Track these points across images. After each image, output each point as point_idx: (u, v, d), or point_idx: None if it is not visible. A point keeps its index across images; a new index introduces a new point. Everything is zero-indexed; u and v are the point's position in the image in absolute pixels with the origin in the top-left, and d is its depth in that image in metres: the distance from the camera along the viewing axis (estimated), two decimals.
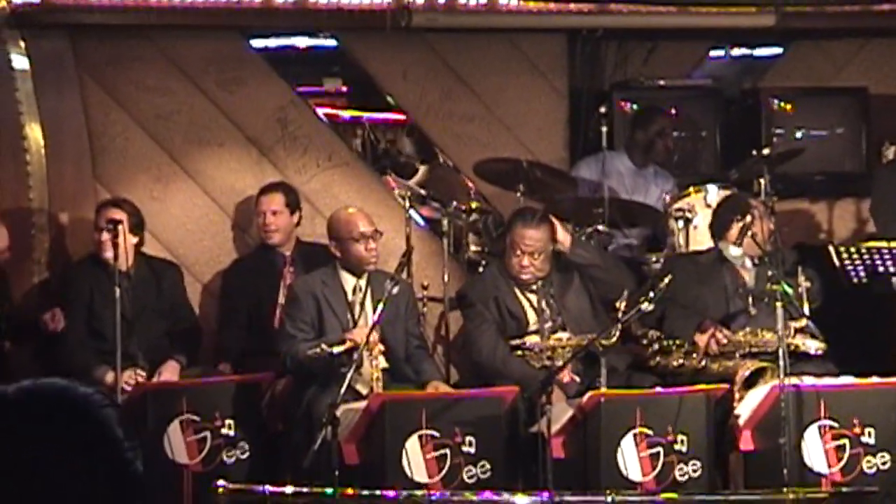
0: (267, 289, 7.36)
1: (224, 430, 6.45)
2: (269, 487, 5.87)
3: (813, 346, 6.66)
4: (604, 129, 7.63)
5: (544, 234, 6.68)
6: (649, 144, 8.07)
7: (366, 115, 9.21)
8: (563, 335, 6.66)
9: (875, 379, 6.46)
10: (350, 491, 5.78)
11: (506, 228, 6.94)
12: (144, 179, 7.84)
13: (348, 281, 6.61)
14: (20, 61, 7.44)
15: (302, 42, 8.57)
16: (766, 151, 7.37)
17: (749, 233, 6.73)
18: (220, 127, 7.93)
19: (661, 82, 8.41)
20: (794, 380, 6.22)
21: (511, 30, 8.18)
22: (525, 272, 6.67)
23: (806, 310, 6.55)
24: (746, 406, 6.36)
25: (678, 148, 8.33)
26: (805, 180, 8.34)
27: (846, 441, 6.28)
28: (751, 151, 7.47)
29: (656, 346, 6.77)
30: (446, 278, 7.46)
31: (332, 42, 8.44)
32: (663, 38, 8.40)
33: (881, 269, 7.19)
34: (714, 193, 7.33)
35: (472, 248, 7.79)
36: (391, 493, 5.90)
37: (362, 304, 6.56)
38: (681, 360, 6.74)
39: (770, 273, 6.42)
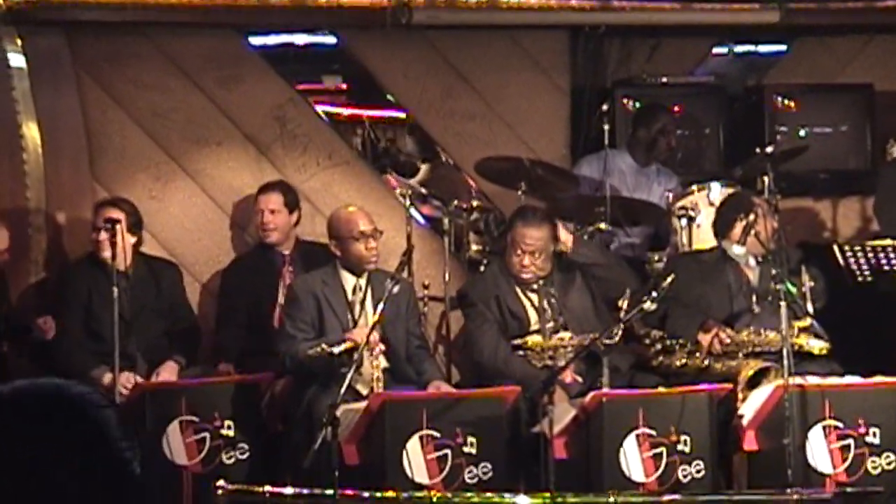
0: (266, 288, 7.34)
1: (223, 431, 6.43)
2: (268, 488, 5.85)
3: (817, 345, 6.64)
4: (606, 126, 7.62)
5: (545, 234, 6.66)
6: (652, 142, 8.05)
7: (366, 113, 9.18)
8: (565, 335, 6.62)
9: (880, 378, 6.43)
10: (350, 492, 5.75)
11: (507, 227, 6.92)
12: (142, 178, 7.82)
13: (348, 280, 6.59)
14: (16, 59, 7.42)
15: (301, 39, 8.55)
16: (769, 149, 7.33)
17: (752, 231, 6.71)
18: (219, 125, 7.91)
19: (664, 79, 8.39)
20: (798, 379, 6.20)
21: (512, 26, 8.16)
22: (526, 271, 6.65)
23: (810, 309, 6.56)
24: (750, 406, 6.34)
25: (681, 146, 8.31)
26: (809, 178, 8.32)
27: (851, 441, 6.26)
28: (754, 149, 7.44)
29: (659, 346, 6.75)
30: (447, 277, 7.44)
31: (331, 39, 8.42)
32: (666, 34, 8.38)
33: (886, 267, 7.16)
34: (717, 191, 7.31)
35: (474, 247, 7.78)
36: (392, 494, 5.86)
37: (363, 304, 6.54)
38: (684, 360, 6.72)
39: (774, 272, 6.39)
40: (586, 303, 6.77)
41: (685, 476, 6.19)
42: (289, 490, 5.85)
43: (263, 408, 6.64)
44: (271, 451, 6.55)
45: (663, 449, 6.17)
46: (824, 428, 6.25)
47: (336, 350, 6.23)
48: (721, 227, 6.92)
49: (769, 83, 8.58)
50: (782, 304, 6.18)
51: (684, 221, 7.31)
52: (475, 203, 7.67)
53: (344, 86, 9.22)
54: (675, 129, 8.19)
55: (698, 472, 6.21)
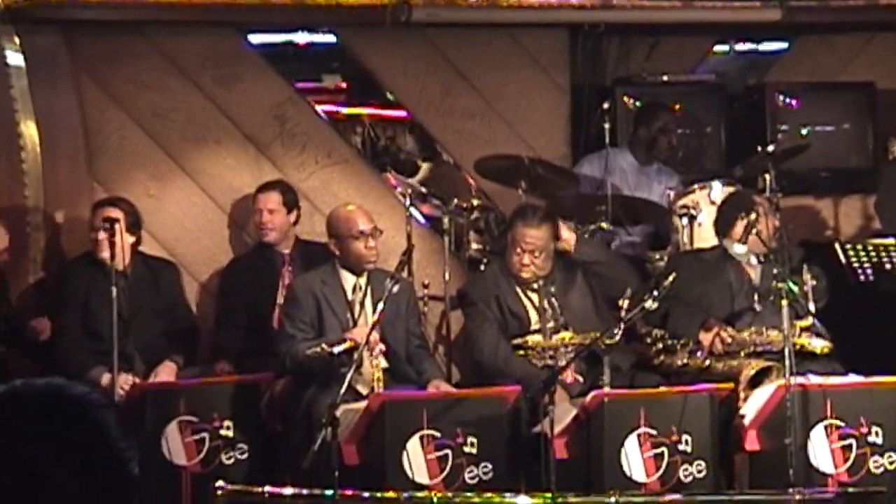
0: (265, 288, 7.32)
1: (223, 431, 6.42)
2: (268, 489, 5.83)
3: (819, 344, 6.63)
4: (606, 125, 7.60)
5: (545, 233, 6.64)
6: (652, 141, 8.03)
7: (365, 111, 9.17)
8: (566, 334, 6.60)
9: (882, 378, 6.41)
10: (350, 492, 5.73)
11: (507, 226, 6.90)
12: (141, 177, 7.79)
13: (348, 280, 6.57)
14: (14, 58, 7.39)
15: (300, 38, 8.53)
16: (771, 148, 7.32)
17: (754, 230, 6.69)
18: (218, 124, 7.88)
19: (665, 78, 8.37)
20: (799, 379, 6.18)
21: (512, 25, 8.13)
22: (525, 270, 6.63)
23: (812, 308, 6.52)
24: (752, 405, 6.32)
25: (682, 144, 8.29)
26: (811, 177, 8.30)
27: (853, 441, 6.25)
28: (755, 148, 7.43)
29: (660, 346, 6.73)
30: (447, 277, 7.42)
31: (330, 38, 8.41)
32: (666, 32, 8.36)
33: (888, 266, 7.15)
34: (718, 190, 7.28)
35: (474, 246, 7.76)
36: (392, 495, 5.84)
37: (362, 304, 6.52)
38: (685, 360, 6.70)
39: (775, 271, 6.38)
40: (587, 302, 6.75)
41: (687, 476, 6.18)
42: (288, 490, 5.83)
43: (263, 408, 6.62)
44: (271, 452, 6.54)
45: (665, 449, 6.16)
46: (826, 427, 6.24)
47: (336, 350, 6.22)
48: (722, 225, 6.90)
49: (770, 81, 8.56)
50: (784, 302, 6.16)
51: (685, 220, 7.29)
52: (475, 202, 7.65)
53: (343, 84, 9.21)
54: (676, 127, 8.18)
55: (700, 471, 6.20)
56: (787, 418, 6.05)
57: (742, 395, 6.39)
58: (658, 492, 6.11)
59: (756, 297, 6.73)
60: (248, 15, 7.77)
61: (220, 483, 5.79)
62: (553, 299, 6.69)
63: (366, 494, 5.79)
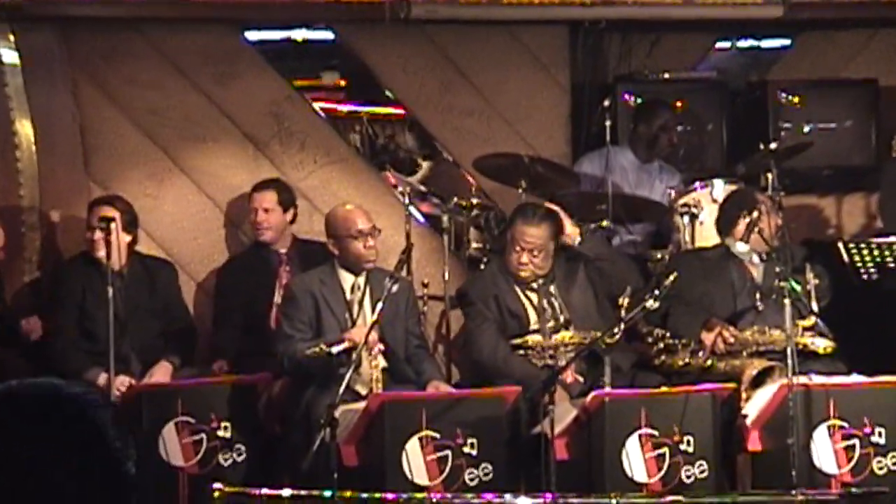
0: (262, 288, 7.30)
1: (220, 432, 6.39)
2: (266, 490, 5.80)
3: (822, 344, 6.60)
4: (607, 123, 7.57)
5: (545, 232, 6.62)
6: (653, 139, 8.00)
7: (364, 109, 9.13)
8: (566, 334, 6.58)
9: (886, 377, 6.38)
10: (349, 493, 5.70)
11: (507, 225, 6.87)
12: (138, 176, 7.77)
13: (347, 279, 6.55)
14: (9, 55, 7.35)
15: (298, 35, 8.50)
16: (773, 145, 7.28)
17: (756, 228, 6.68)
18: (215, 122, 7.86)
19: (666, 75, 8.35)
20: (802, 379, 6.16)
21: (512, 21, 8.10)
22: (523, 269, 6.61)
23: (814, 307, 6.52)
24: (754, 406, 6.30)
25: (683, 142, 8.27)
26: (813, 175, 8.27)
27: (856, 441, 6.23)
28: (758, 145, 7.39)
29: (661, 345, 6.71)
30: (447, 276, 7.41)
31: (329, 35, 8.38)
32: (668, 29, 8.34)
33: (891, 264, 7.13)
34: (720, 188, 7.26)
35: (474, 244, 7.74)
36: (391, 496, 5.82)
37: (361, 303, 6.49)
38: (687, 359, 6.68)
39: (778, 269, 6.36)
40: (589, 299, 6.74)
41: (688, 477, 6.16)
42: (287, 492, 5.80)
43: (261, 409, 6.60)
44: (269, 453, 6.51)
45: (666, 449, 6.14)
46: (829, 428, 6.22)
47: (334, 350, 6.20)
48: (724, 224, 6.88)
49: (772, 78, 8.54)
50: (786, 302, 6.14)
51: (687, 219, 7.27)
52: (475, 201, 7.62)
53: (342, 82, 9.17)
54: (677, 124, 8.15)
55: (702, 472, 6.18)
56: (790, 418, 6.03)
57: (744, 395, 6.37)
58: (659, 493, 6.09)
59: (758, 296, 6.71)
60: (246, 12, 7.76)
61: (217, 484, 5.77)
62: (552, 299, 6.67)
63: (365, 496, 5.76)
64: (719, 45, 8.75)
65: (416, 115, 8.35)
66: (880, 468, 6.23)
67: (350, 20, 7.93)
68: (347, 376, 5.82)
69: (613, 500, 5.86)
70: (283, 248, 7.40)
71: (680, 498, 6.04)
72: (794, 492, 5.97)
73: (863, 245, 7.18)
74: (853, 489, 6.15)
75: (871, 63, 8.52)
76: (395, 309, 6.45)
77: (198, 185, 7.84)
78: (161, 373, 6.80)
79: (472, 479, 6.09)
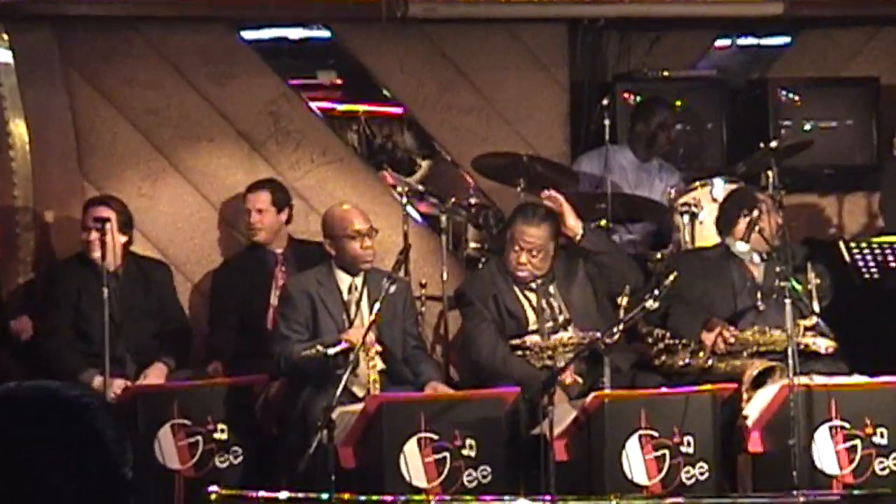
0: (258, 289, 7.28)
1: (217, 435, 6.36)
2: (263, 493, 5.78)
3: (823, 344, 6.58)
4: (606, 122, 7.54)
5: (545, 232, 6.60)
6: (652, 137, 7.99)
7: (361, 108, 9.10)
8: (564, 335, 6.55)
9: (887, 378, 6.36)
10: (347, 496, 5.68)
11: (507, 224, 6.86)
12: (133, 176, 7.75)
13: (344, 280, 6.52)
14: (3, 55, 7.34)
15: (295, 33, 8.47)
16: (773, 144, 7.27)
17: (756, 228, 6.65)
18: (211, 122, 7.85)
19: (666, 73, 8.34)
20: (803, 379, 6.13)
21: (510, 20, 8.09)
22: (522, 269, 6.58)
23: (816, 307, 6.50)
24: (755, 406, 6.27)
25: (683, 141, 8.26)
26: (814, 173, 8.26)
27: (858, 442, 6.20)
28: (758, 144, 7.38)
29: (661, 346, 6.68)
30: (445, 276, 7.38)
31: (325, 33, 8.35)
32: (667, 27, 8.32)
33: (893, 264, 7.12)
34: (720, 187, 7.24)
35: (472, 244, 7.72)
36: (389, 498, 5.79)
37: (358, 304, 6.47)
38: (687, 360, 6.65)
39: (778, 269, 6.33)
40: (588, 296, 6.72)
41: (689, 478, 6.13)
42: (284, 494, 5.77)
43: (257, 410, 6.58)
44: (266, 455, 6.49)
45: (666, 451, 6.11)
46: (830, 428, 6.19)
47: (331, 351, 6.17)
48: (724, 223, 6.85)
49: (773, 76, 8.53)
50: (787, 301, 6.12)
51: (687, 218, 7.25)
52: (473, 200, 7.60)
53: (338, 81, 9.14)
54: (675, 123, 8.14)
55: (702, 473, 6.15)
56: (791, 419, 6.01)
57: (745, 395, 6.34)
58: (660, 494, 6.06)
59: (759, 295, 6.69)
60: (242, 10, 7.76)
61: (213, 487, 5.75)
62: (552, 299, 6.64)
63: (363, 498, 5.73)
64: (719, 42, 8.74)
65: (414, 114, 8.34)
66: (882, 469, 6.20)
67: (347, 19, 7.92)
68: (344, 378, 5.78)
69: (613, 502, 5.83)
70: (278, 248, 7.38)
71: (680, 500, 6.01)
72: (795, 493, 5.95)
73: (864, 244, 7.17)
74: (855, 490, 6.12)
75: (873, 61, 8.51)
76: (392, 310, 6.42)
77: (194, 186, 7.83)
78: (155, 374, 6.78)
79: (470, 481, 6.06)
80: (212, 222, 7.82)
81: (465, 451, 6.07)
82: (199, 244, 7.81)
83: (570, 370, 6.41)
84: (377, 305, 6.07)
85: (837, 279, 6.85)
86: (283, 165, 7.89)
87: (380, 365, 6.35)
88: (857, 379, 6.40)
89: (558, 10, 8.00)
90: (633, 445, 6.07)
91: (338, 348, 6.16)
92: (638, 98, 8.18)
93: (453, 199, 7.49)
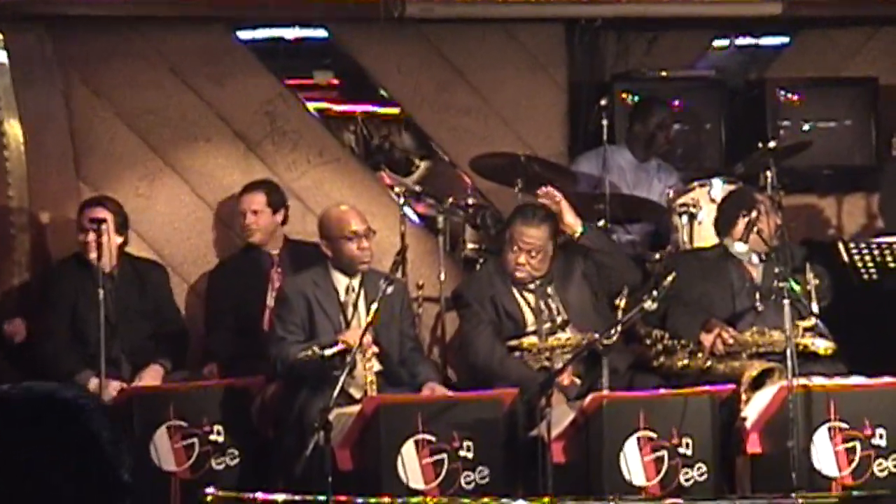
0: (253, 290, 7.26)
1: (213, 436, 6.35)
2: (259, 495, 5.76)
3: (822, 345, 6.57)
4: (604, 122, 7.52)
5: (544, 233, 6.60)
6: (650, 138, 7.97)
7: (358, 108, 9.08)
8: (562, 336, 6.53)
9: (886, 379, 6.35)
10: (344, 498, 5.67)
11: (506, 224, 6.85)
12: (129, 177, 7.73)
13: (341, 281, 6.50)
14: None
15: (291, 33, 8.43)
16: (772, 144, 7.25)
17: (755, 228, 6.65)
18: (207, 122, 7.83)
19: (664, 73, 8.33)
20: (802, 380, 6.11)
21: (508, 20, 8.08)
22: (521, 270, 6.57)
23: (815, 308, 6.48)
24: (753, 408, 6.26)
25: (681, 141, 8.24)
26: (813, 174, 8.25)
27: (857, 443, 6.19)
28: (756, 144, 7.37)
29: (660, 347, 6.67)
30: (442, 277, 7.36)
31: (322, 33, 8.32)
32: (665, 27, 8.31)
33: (892, 264, 7.10)
34: (719, 188, 7.22)
35: (469, 245, 7.69)
36: (387, 500, 5.78)
37: (355, 305, 6.46)
38: (685, 361, 6.64)
39: (777, 270, 6.30)
40: (586, 296, 6.71)
41: (687, 480, 6.12)
42: (280, 497, 5.77)
43: (254, 412, 6.55)
44: (262, 457, 6.47)
45: (665, 452, 6.10)
46: (829, 430, 6.18)
47: (328, 353, 6.15)
48: (723, 224, 6.84)
49: (771, 77, 8.51)
50: (786, 302, 6.11)
51: (685, 219, 7.23)
52: (471, 201, 7.59)
53: (335, 81, 9.11)
54: (673, 123, 8.12)
55: (701, 475, 6.13)
56: (790, 420, 5.99)
57: (744, 396, 6.34)
58: (658, 496, 6.05)
59: (758, 296, 6.68)
60: (238, 10, 7.72)
61: (210, 489, 5.73)
62: (550, 300, 6.61)
63: (360, 500, 5.73)
64: (717, 42, 8.72)
65: (412, 114, 8.32)
66: (881, 470, 6.19)
67: (344, 18, 7.91)
68: (341, 379, 5.76)
69: None
70: (274, 249, 7.35)
71: (679, 501, 6.00)
72: (794, 495, 5.93)
73: (863, 245, 7.15)
74: (854, 492, 6.11)
75: (872, 61, 8.50)
76: (389, 311, 6.40)
77: (190, 186, 7.81)
78: (150, 376, 6.76)
79: (468, 483, 6.05)
80: (208, 223, 7.80)
81: (462, 453, 6.05)
82: (195, 245, 7.78)
83: (568, 371, 6.39)
84: (374, 307, 6.04)
85: (836, 280, 6.85)
86: (279, 166, 7.88)
87: (376, 366, 6.32)
88: (857, 380, 6.40)
89: (556, 10, 7.99)
90: (631, 447, 6.06)
91: (334, 350, 6.14)
92: (636, 98, 8.17)
93: (451, 200, 7.47)
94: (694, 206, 7.23)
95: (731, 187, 7.15)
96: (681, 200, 7.30)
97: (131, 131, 7.73)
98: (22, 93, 7.34)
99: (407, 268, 7.17)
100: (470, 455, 6.06)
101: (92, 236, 6.72)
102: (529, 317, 6.62)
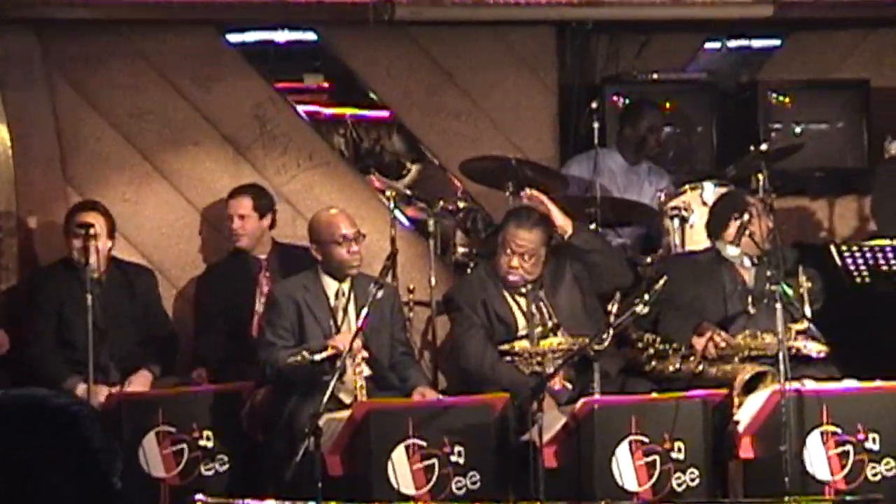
0: (242, 295, 7.24)
1: (202, 442, 6.36)
2: (249, 501, 5.77)
3: (814, 348, 6.55)
4: (595, 125, 7.51)
5: (537, 237, 6.58)
6: (641, 141, 7.96)
7: (348, 112, 9.07)
8: (554, 340, 6.50)
9: (879, 383, 6.34)
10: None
11: (499, 227, 6.84)
12: (117, 181, 7.71)
13: (331, 285, 6.48)
14: None
15: (281, 36, 8.42)
16: (764, 147, 7.23)
17: (747, 231, 6.64)
18: (196, 125, 7.81)
19: (655, 76, 8.31)
20: (795, 384, 6.12)
21: (498, 22, 8.07)
22: (513, 273, 6.55)
23: (807, 311, 6.47)
24: (746, 412, 6.24)
25: (672, 144, 8.23)
26: (805, 176, 8.24)
27: (849, 447, 6.18)
28: (748, 147, 7.34)
29: (652, 351, 6.65)
30: (433, 281, 7.33)
31: (312, 36, 8.30)
32: (656, 30, 8.30)
33: (884, 267, 7.08)
34: (710, 191, 7.22)
35: (460, 249, 7.68)
36: None
37: (345, 310, 6.43)
38: (677, 365, 6.63)
39: (769, 273, 6.28)
40: (576, 299, 6.69)
41: (679, 484, 6.11)
42: (270, 503, 5.75)
43: (243, 418, 6.53)
44: (252, 463, 6.45)
45: (657, 457, 6.09)
46: (822, 434, 6.17)
47: (317, 358, 6.13)
48: (715, 227, 6.83)
49: (763, 79, 8.51)
50: (778, 306, 6.09)
51: (677, 222, 7.22)
52: (461, 204, 7.56)
53: (325, 84, 9.10)
54: (664, 125, 8.11)
55: (693, 480, 6.12)
56: (783, 424, 5.99)
57: (736, 400, 6.32)
58: (650, 501, 6.04)
59: (750, 300, 6.66)
60: (228, 13, 7.71)
61: (199, 496, 5.70)
62: (541, 304, 6.59)
63: None
64: (708, 45, 8.72)
65: (402, 117, 8.31)
66: (874, 475, 6.18)
67: (333, 21, 7.89)
68: (331, 384, 5.74)
69: None
70: (262, 254, 7.34)
71: None
72: (786, 499, 5.92)
73: (855, 248, 7.14)
74: (847, 496, 6.09)
75: (863, 63, 8.50)
76: (380, 315, 6.38)
77: (178, 190, 7.79)
78: (139, 382, 6.73)
79: (459, 488, 6.03)
80: (197, 227, 7.78)
81: (453, 458, 6.03)
82: (184, 250, 7.76)
83: (559, 376, 6.37)
84: (364, 311, 6.02)
85: (829, 283, 6.84)
86: (269, 170, 7.86)
87: (366, 371, 6.30)
88: (849, 384, 6.38)
89: (546, 13, 7.97)
90: (623, 451, 6.04)
91: (324, 354, 6.12)
92: (627, 101, 8.15)
93: (441, 203, 7.45)
94: (685, 209, 7.22)
95: (723, 190, 7.14)
96: (672, 203, 7.29)
97: (119, 135, 7.70)
98: (9, 96, 7.33)
99: (397, 272, 7.17)
100: (461, 460, 6.03)
101: (80, 241, 6.70)
102: (521, 321, 6.60)
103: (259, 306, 7.03)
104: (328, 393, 5.68)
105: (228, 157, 7.81)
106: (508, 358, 6.51)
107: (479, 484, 6.04)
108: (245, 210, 7.29)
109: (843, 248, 7.16)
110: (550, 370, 6.29)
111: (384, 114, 8.66)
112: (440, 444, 6.01)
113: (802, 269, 6.51)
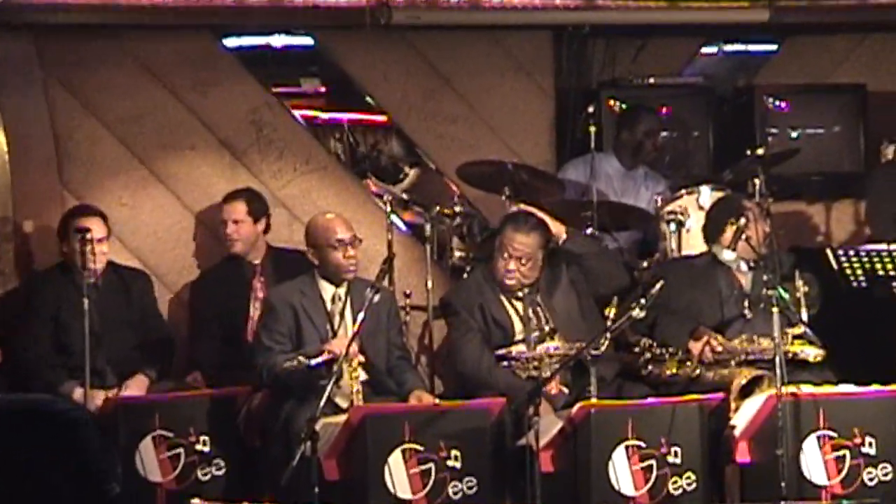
0: (236, 300, 7.24)
1: (199, 447, 6.35)
2: None
3: (811, 353, 6.54)
4: (592, 129, 7.51)
5: (534, 241, 6.58)
6: (637, 145, 7.97)
7: (345, 116, 9.08)
8: (551, 345, 6.50)
9: (876, 387, 6.32)
10: None
11: (496, 231, 6.85)
12: (113, 185, 7.70)
13: (327, 290, 6.48)
14: None
15: (277, 41, 8.42)
16: (760, 151, 7.27)
17: (743, 236, 6.64)
18: (192, 130, 7.80)
19: (651, 80, 8.33)
20: (791, 388, 6.11)
21: (495, 27, 8.09)
22: (510, 277, 6.55)
23: (804, 315, 6.48)
24: (743, 416, 6.23)
25: (669, 148, 8.23)
26: (801, 181, 8.25)
27: (846, 452, 6.18)
28: (745, 151, 7.37)
29: (648, 355, 6.64)
30: (430, 285, 7.33)
31: (308, 41, 8.31)
32: (653, 34, 8.32)
33: (881, 272, 7.08)
34: (707, 195, 7.21)
35: (457, 253, 7.66)
36: None
37: (342, 314, 6.43)
38: (674, 369, 6.62)
39: (766, 277, 6.28)
40: (572, 303, 6.69)
41: (676, 489, 6.10)
42: None
43: (240, 422, 6.53)
44: (248, 467, 6.45)
45: (653, 461, 6.08)
46: (819, 438, 6.16)
47: (314, 362, 6.13)
48: (711, 231, 6.83)
49: (759, 83, 8.53)
50: (775, 310, 6.08)
51: (673, 226, 7.22)
52: (458, 209, 7.57)
53: (322, 89, 9.11)
54: (661, 130, 8.12)
55: (689, 484, 6.12)
56: (779, 429, 5.98)
57: (733, 405, 6.32)
58: None
59: (747, 304, 6.66)
60: (224, 17, 7.71)
61: (196, 500, 5.69)
62: (538, 308, 6.59)
63: None
64: (705, 49, 8.74)
65: (399, 122, 8.31)
66: (871, 479, 6.17)
67: (330, 26, 7.89)
68: (328, 389, 5.74)
69: None
70: (256, 259, 7.33)
71: None
72: (783, 503, 5.92)
73: (852, 252, 7.15)
74: (843, 501, 6.10)
75: (860, 68, 8.52)
76: (376, 320, 6.38)
77: (175, 195, 7.78)
78: (136, 386, 6.73)
79: (456, 493, 6.02)
80: (193, 232, 7.77)
81: (450, 463, 6.03)
82: (180, 254, 7.75)
83: (555, 380, 6.36)
84: (361, 315, 6.01)
85: (825, 287, 6.87)
86: (265, 174, 7.86)
87: (363, 375, 6.30)
88: (846, 388, 6.37)
89: (543, 17, 7.98)
90: (619, 456, 6.04)
91: (320, 359, 6.12)
92: (623, 105, 8.16)
93: (438, 208, 7.45)
94: (682, 213, 7.22)
95: (720, 194, 7.14)
96: (669, 208, 7.29)
97: (115, 140, 7.69)
98: (5, 101, 7.33)
99: (394, 276, 7.14)
100: (458, 465, 6.03)
101: (77, 246, 6.69)
102: (518, 325, 6.59)
103: (253, 311, 7.04)
104: (325, 397, 5.68)
105: (225, 161, 7.81)
106: (505, 362, 6.51)
107: (475, 488, 6.04)
108: (239, 214, 7.29)
109: (840, 252, 7.18)
110: (547, 374, 6.28)
111: (381, 118, 8.67)
112: (437, 449, 6.01)
113: (799, 274, 6.54)
